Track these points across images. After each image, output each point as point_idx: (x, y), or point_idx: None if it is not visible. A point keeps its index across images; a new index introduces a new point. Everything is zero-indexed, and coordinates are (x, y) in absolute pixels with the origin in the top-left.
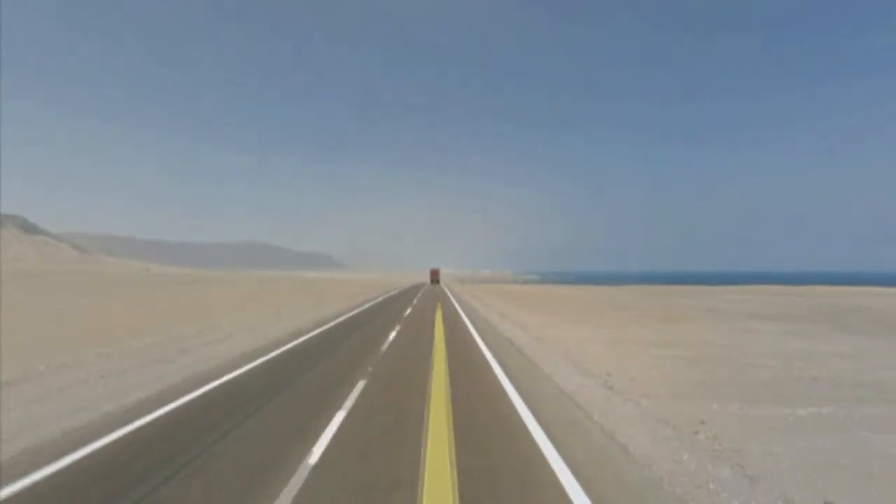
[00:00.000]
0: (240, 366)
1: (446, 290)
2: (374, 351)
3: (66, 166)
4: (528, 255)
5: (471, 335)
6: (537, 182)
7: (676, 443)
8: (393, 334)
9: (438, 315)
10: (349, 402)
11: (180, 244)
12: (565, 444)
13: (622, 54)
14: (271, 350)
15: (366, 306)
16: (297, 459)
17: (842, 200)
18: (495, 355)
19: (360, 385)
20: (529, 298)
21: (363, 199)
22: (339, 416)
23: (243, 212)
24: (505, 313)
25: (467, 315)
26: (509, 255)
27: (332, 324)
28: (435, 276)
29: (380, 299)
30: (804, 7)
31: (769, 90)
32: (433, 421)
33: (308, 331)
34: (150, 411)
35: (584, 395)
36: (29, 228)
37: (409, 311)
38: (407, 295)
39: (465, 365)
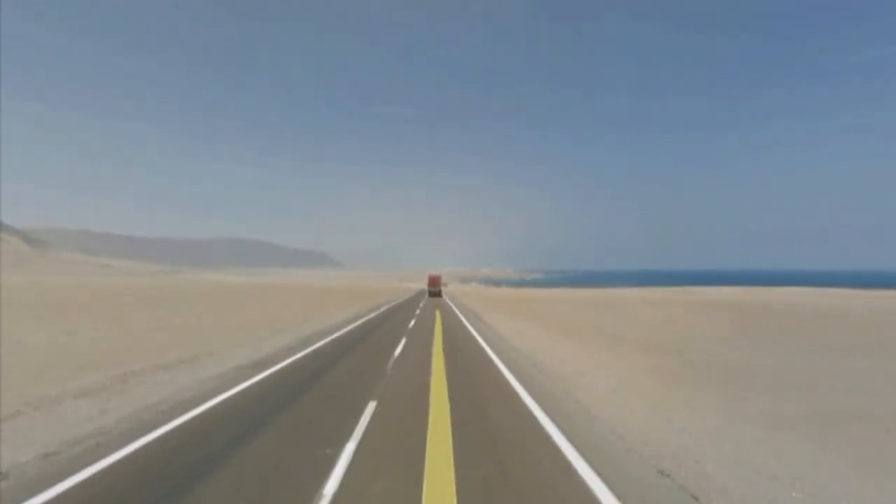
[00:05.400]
0: None
1: (465, 322)
2: None
3: (50, 162)
4: (528, 253)
5: None
6: (538, 180)
7: None
8: None
9: None
10: None
11: (164, 240)
12: None
13: (623, 52)
14: None
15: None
16: None
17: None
18: None
19: None
20: None
21: (361, 197)
22: None
23: (237, 208)
24: None
25: None
26: (509, 254)
27: None
28: (435, 286)
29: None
30: (796, 7)
31: (762, 87)
32: None
33: None
34: None
35: None
36: None
37: None
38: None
39: None
